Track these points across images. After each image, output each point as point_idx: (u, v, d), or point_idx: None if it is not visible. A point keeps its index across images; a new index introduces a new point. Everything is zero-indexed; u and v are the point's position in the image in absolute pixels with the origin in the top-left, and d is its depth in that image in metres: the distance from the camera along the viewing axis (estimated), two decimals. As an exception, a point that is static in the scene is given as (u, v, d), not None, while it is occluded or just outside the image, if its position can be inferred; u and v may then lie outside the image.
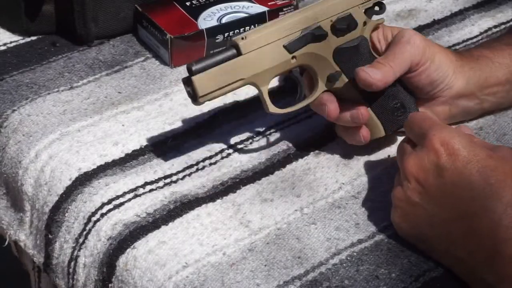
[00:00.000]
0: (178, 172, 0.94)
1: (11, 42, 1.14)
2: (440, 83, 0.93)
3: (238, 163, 0.95)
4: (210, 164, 0.95)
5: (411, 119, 0.86)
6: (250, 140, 0.98)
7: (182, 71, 1.08)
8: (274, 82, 1.00)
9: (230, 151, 0.97)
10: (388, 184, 0.87)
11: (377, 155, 0.96)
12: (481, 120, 1.00)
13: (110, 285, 0.86)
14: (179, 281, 0.81)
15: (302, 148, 0.96)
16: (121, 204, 0.89)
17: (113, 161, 0.95)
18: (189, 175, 0.93)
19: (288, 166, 0.95)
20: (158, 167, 0.94)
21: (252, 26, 1.11)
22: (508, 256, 0.76)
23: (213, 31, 1.09)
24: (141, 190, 0.91)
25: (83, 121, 1.00)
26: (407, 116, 0.93)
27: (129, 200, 0.90)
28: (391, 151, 0.96)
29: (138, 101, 1.04)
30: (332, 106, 0.92)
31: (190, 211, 0.89)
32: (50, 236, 0.92)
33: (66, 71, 1.08)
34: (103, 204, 0.90)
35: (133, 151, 0.96)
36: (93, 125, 1.00)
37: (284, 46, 0.90)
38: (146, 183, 0.92)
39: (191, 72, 0.87)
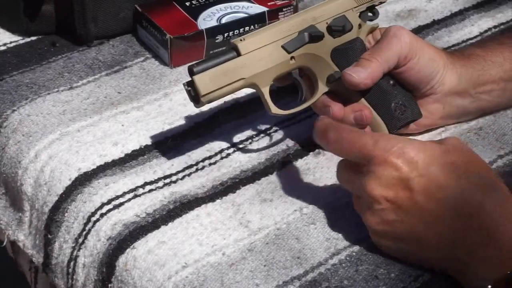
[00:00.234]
0: (178, 172, 0.94)
1: (11, 42, 1.14)
2: (431, 79, 0.93)
3: (238, 163, 0.95)
4: (210, 164, 0.95)
5: (345, 143, 0.82)
6: (250, 140, 0.98)
7: (181, 71, 1.08)
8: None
9: (230, 151, 0.97)
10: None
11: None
12: (481, 120, 1.00)
13: (109, 285, 0.86)
14: (178, 281, 0.81)
15: (302, 148, 0.97)
16: (121, 204, 0.89)
17: (113, 161, 0.95)
18: (189, 175, 0.93)
19: (288, 166, 0.95)
20: (157, 167, 0.94)
21: (252, 26, 1.11)
22: (497, 242, 0.76)
23: (212, 31, 1.09)
24: (140, 190, 0.91)
25: (83, 121, 1.00)
26: (409, 114, 0.93)
27: (129, 200, 0.90)
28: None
29: (137, 101, 1.04)
30: (336, 108, 0.92)
31: (190, 211, 0.89)
32: (49, 236, 0.92)
33: (65, 71, 1.08)
34: (103, 204, 0.90)
35: (133, 151, 0.96)
36: (93, 125, 1.00)
37: (282, 47, 0.91)
38: (146, 183, 0.92)
39: (193, 73, 0.88)
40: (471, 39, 1.14)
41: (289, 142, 0.98)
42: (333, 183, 0.92)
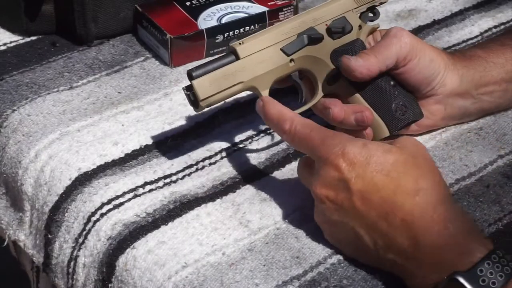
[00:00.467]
0: (178, 172, 0.94)
1: (11, 42, 1.14)
2: (432, 80, 0.93)
3: (238, 163, 0.95)
4: (210, 164, 0.95)
5: (296, 137, 0.84)
6: (250, 140, 0.98)
7: (182, 71, 1.08)
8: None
9: (230, 151, 0.97)
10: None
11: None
12: (481, 120, 1.00)
13: (109, 285, 0.86)
14: (178, 281, 0.81)
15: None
16: (121, 204, 0.89)
17: (113, 161, 0.95)
18: (189, 175, 0.93)
19: (288, 166, 0.95)
20: (157, 167, 0.94)
21: (252, 26, 1.11)
22: (428, 243, 0.76)
23: (213, 31, 1.09)
24: (140, 190, 0.91)
25: (83, 121, 1.00)
26: (410, 115, 0.93)
27: (129, 200, 0.90)
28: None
29: (137, 101, 1.04)
30: (336, 109, 0.91)
31: (190, 211, 0.89)
32: (49, 236, 0.92)
33: (66, 71, 1.08)
34: (103, 204, 0.90)
35: (133, 151, 0.96)
36: (93, 125, 1.00)
37: (281, 49, 0.91)
38: (146, 183, 0.92)
39: (192, 77, 0.88)
40: (471, 39, 1.15)
41: (289, 142, 0.98)
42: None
